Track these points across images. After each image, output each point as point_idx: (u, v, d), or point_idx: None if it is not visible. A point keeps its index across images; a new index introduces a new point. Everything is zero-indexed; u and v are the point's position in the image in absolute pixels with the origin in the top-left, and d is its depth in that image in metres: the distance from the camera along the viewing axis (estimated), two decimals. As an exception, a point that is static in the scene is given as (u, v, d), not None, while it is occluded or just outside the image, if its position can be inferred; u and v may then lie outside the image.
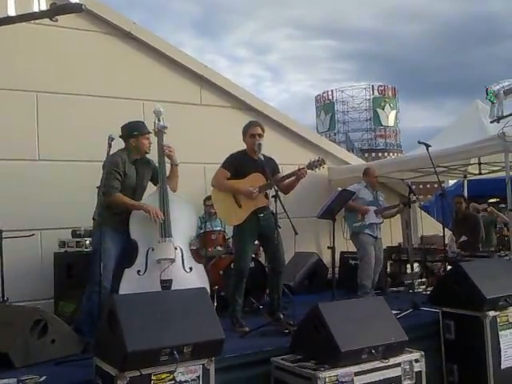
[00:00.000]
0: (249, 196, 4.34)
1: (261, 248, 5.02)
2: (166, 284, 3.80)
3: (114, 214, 3.93)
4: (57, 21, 2.43)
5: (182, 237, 4.05)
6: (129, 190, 4.05)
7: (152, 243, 3.91)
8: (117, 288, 3.73)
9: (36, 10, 2.46)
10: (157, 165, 4.20)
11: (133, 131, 4.10)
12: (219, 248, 5.54)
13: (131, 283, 3.71)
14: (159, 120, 4.20)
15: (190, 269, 3.98)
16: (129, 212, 3.97)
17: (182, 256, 3.97)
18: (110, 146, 3.93)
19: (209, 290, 3.93)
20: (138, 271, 3.83)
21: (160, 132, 4.18)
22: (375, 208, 5.72)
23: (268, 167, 4.38)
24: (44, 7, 2.45)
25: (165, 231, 3.92)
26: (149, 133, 4.15)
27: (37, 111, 5.50)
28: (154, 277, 3.80)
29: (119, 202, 3.96)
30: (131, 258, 3.88)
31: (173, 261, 3.88)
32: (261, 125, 4.57)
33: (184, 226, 4.10)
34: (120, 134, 4.12)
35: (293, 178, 4.42)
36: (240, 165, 4.44)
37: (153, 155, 4.24)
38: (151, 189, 4.27)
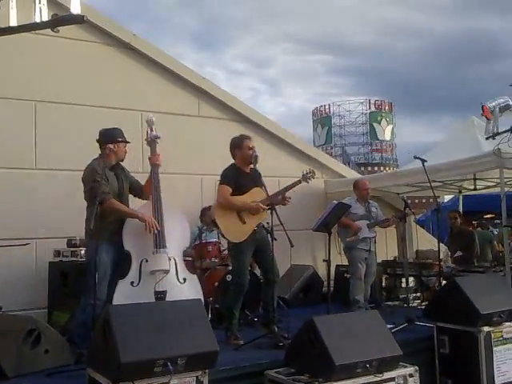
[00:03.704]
0: (258, 211, 4.36)
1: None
2: (161, 295, 3.78)
3: (108, 224, 3.85)
4: (58, 32, 2.45)
5: (176, 248, 4.03)
6: (114, 195, 3.99)
7: (146, 254, 3.88)
8: (110, 299, 3.71)
9: (38, 20, 2.48)
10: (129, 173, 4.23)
11: (117, 137, 4.05)
12: (214, 259, 5.53)
13: (125, 295, 3.67)
14: (152, 130, 4.17)
15: (184, 280, 3.97)
16: (122, 221, 3.93)
17: (176, 267, 3.96)
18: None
19: (203, 301, 3.93)
20: (132, 282, 3.80)
21: (153, 142, 4.15)
22: (367, 222, 5.71)
23: (258, 178, 4.43)
24: (45, 18, 2.47)
25: (159, 242, 3.90)
26: (127, 142, 4.13)
27: (35, 120, 5.51)
28: (147, 288, 3.77)
29: (115, 209, 3.90)
30: (125, 269, 3.86)
31: (167, 272, 3.87)
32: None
33: (178, 236, 4.08)
34: (97, 138, 4.08)
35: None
36: (238, 180, 4.44)
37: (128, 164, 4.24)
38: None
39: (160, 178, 4.10)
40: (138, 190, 4.27)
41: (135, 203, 4.28)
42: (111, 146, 4.00)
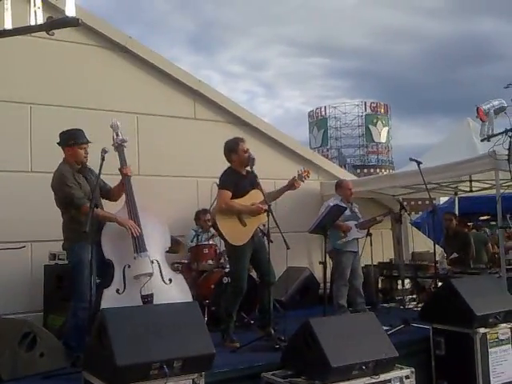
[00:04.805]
0: (259, 213, 4.34)
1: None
2: (148, 299, 3.77)
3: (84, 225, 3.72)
4: (53, 34, 2.45)
5: (157, 249, 4.03)
6: (87, 197, 3.92)
7: (127, 260, 3.87)
8: (98, 307, 3.63)
9: (33, 23, 2.48)
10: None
11: (69, 140, 4.01)
12: (211, 262, 5.52)
13: (111, 303, 3.62)
14: (118, 134, 4.17)
15: (170, 280, 3.98)
16: (100, 224, 3.90)
17: (160, 268, 3.96)
18: (103, 158, 3.92)
19: (191, 299, 3.95)
20: (117, 290, 3.79)
21: (120, 146, 4.16)
22: (355, 223, 5.68)
23: (255, 179, 4.43)
24: (41, 21, 2.47)
25: (139, 246, 3.88)
26: (85, 143, 4.05)
27: (30, 123, 5.49)
28: (133, 294, 3.76)
29: (94, 214, 3.80)
30: (108, 277, 3.84)
31: (151, 275, 3.85)
32: None
33: (157, 238, 4.08)
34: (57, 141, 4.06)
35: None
36: (237, 183, 4.43)
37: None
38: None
39: (132, 185, 4.13)
40: (106, 193, 4.24)
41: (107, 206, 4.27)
42: (66, 149, 4.00)
